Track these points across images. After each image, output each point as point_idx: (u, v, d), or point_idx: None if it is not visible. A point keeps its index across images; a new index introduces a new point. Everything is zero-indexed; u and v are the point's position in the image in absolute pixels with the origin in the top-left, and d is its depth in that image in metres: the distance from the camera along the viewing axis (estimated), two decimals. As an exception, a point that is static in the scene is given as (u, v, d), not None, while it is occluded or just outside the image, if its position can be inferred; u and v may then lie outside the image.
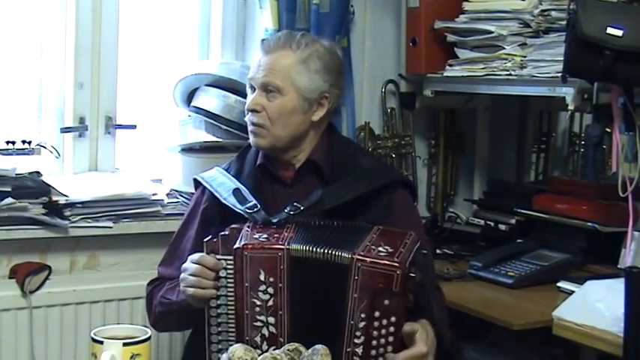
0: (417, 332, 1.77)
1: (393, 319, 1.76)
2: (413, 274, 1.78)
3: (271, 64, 2.08)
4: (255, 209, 1.97)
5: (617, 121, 2.42)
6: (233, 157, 2.25)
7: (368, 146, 3.19)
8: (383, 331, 1.76)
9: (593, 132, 3.05)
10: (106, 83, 2.88)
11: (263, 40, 2.18)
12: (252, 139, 2.13)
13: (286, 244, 1.81)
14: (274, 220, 1.93)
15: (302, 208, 1.96)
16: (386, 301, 1.75)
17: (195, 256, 1.90)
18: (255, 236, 1.85)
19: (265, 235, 1.86)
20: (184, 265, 1.92)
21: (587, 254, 2.80)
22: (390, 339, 1.77)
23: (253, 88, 2.11)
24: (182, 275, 1.92)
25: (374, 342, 1.77)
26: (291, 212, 1.94)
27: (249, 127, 2.12)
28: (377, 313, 1.76)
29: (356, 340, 1.77)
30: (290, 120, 2.08)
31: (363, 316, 1.76)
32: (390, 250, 1.78)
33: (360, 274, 1.76)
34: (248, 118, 2.12)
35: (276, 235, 1.86)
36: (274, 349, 1.77)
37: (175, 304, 2.04)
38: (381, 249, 1.79)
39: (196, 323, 2.13)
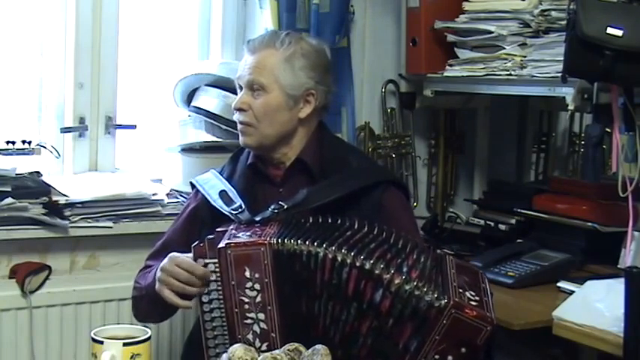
0: None
1: None
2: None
3: (256, 63, 2.10)
4: (240, 210, 1.97)
5: (617, 121, 2.42)
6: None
7: (368, 146, 3.19)
8: None
9: (593, 132, 3.05)
10: (106, 83, 2.88)
11: (249, 41, 2.19)
12: (240, 138, 2.14)
13: (268, 238, 1.81)
14: (257, 219, 1.93)
15: (286, 206, 1.95)
16: (463, 349, 1.72)
17: (183, 261, 1.88)
18: (238, 235, 1.85)
19: (248, 234, 1.86)
20: (166, 266, 1.91)
21: (587, 254, 2.79)
22: None
23: (241, 88, 2.13)
24: (163, 276, 1.92)
25: None
26: (275, 210, 1.94)
27: (238, 127, 2.13)
28: (450, 357, 1.73)
29: None
30: (276, 117, 2.09)
31: (436, 357, 1.73)
32: (477, 299, 1.75)
33: (450, 320, 1.71)
34: (236, 117, 2.14)
35: (258, 232, 1.85)
36: (267, 345, 1.77)
37: (144, 289, 2.06)
38: (469, 295, 1.75)
39: (170, 315, 2.17)
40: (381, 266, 1.76)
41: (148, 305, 2.08)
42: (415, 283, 1.74)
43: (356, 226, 1.88)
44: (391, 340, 1.76)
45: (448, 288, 1.75)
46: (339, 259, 1.77)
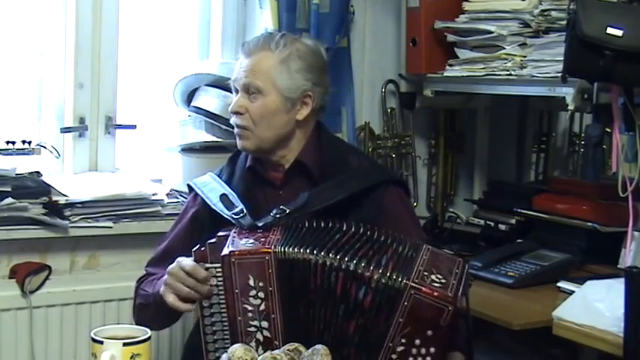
0: None
1: (432, 349, 1.75)
2: (464, 312, 1.77)
3: (252, 66, 2.08)
4: (242, 214, 1.96)
5: (617, 121, 2.42)
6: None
7: (368, 146, 3.19)
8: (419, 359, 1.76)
9: (593, 132, 3.05)
10: (106, 83, 2.88)
11: (243, 43, 2.18)
12: (237, 141, 2.12)
13: (273, 247, 1.81)
14: (260, 224, 1.92)
15: (288, 211, 1.95)
16: (429, 332, 1.74)
17: (187, 265, 1.88)
18: (241, 242, 1.84)
19: (251, 240, 1.85)
20: (172, 270, 1.91)
21: (587, 254, 2.80)
22: None
23: (237, 91, 2.12)
24: (169, 279, 1.91)
25: None
26: (277, 215, 1.94)
27: (235, 130, 2.12)
28: (417, 341, 1.74)
29: None
30: (273, 120, 2.08)
31: (403, 341, 1.75)
32: (443, 282, 1.76)
33: (410, 301, 1.73)
34: (232, 120, 2.12)
35: (262, 239, 1.85)
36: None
37: (152, 297, 2.05)
38: (434, 277, 1.76)
39: (174, 321, 2.16)
40: (362, 264, 1.78)
41: (155, 313, 2.07)
42: (388, 274, 1.76)
43: (344, 228, 1.89)
44: (374, 334, 1.77)
45: (412, 272, 1.76)
46: (328, 263, 1.79)
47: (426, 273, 1.77)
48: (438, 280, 1.76)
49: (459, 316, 1.79)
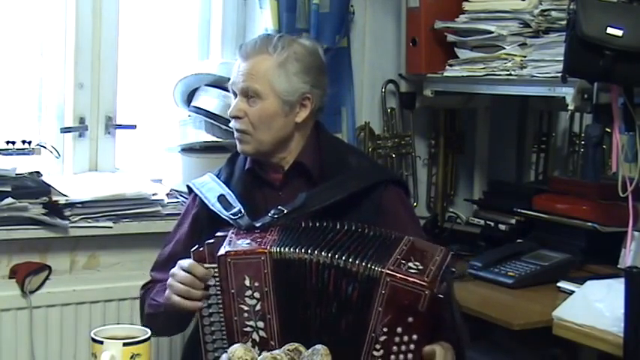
0: (436, 354, 1.77)
1: (414, 336, 1.75)
2: (441, 295, 1.76)
3: (250, 70, 2.07)
4: (240, 215, 1.97)
5: (617, 121, 2.42)
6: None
7: (368, 146, 3.20)
8: (403, 347, 1.76)
9: (593, 132, 3.05)
10: (106, 83, 2.88)
11: (241, 45, 2.17)
12: (237, 145, 2.12)
13: (268, 247, 1.81)
14: (257, 225, 1.92)
15: (285, 211, 1.95)
16: (410, 319, 1.74)
17: (186, 263, 1.89)
18: (238, 242, 1.85)
19: (248, 241, 1.85)
20: (173, 271, 1.92)
21: (587, 254, 2.80)
22: (410, 356, 1.76)
23: (236, 94, 2.11)
24: (170, 281, 1.91)
25: (392, 357, 1.76)
26: (275, 216, 1.94)
27: (235, 134, 2.12)
28: (399, 329, 1.75)
29: (375, 353, 1.76)
30: (272, 124, 2.07)
31: (385, 330, 1.75)
32: (420, 268, 1.77)
33: (387, 289, 1.74)
34: (232, 124, 2.12)
35: (259, 240, 1.85)
36: (267, 353, 1.78)
37: (163, 306, 2.04)
38: (411, 265, 1.77)
39: (184, 328, 2.15)
40: (350, 260, 1.79)
41: (164, 321, 2.06)
42: (368, 265, 1.77)
43: (338, 227, 1.90)
44: (360, 326, 1.77)
45: (388, 260, 1.78)
46: (321, 262, 1.80)
47: (403, 261, 1.78)
48: (415, 267, 1.77)
49: (441, 302, 1.78)
